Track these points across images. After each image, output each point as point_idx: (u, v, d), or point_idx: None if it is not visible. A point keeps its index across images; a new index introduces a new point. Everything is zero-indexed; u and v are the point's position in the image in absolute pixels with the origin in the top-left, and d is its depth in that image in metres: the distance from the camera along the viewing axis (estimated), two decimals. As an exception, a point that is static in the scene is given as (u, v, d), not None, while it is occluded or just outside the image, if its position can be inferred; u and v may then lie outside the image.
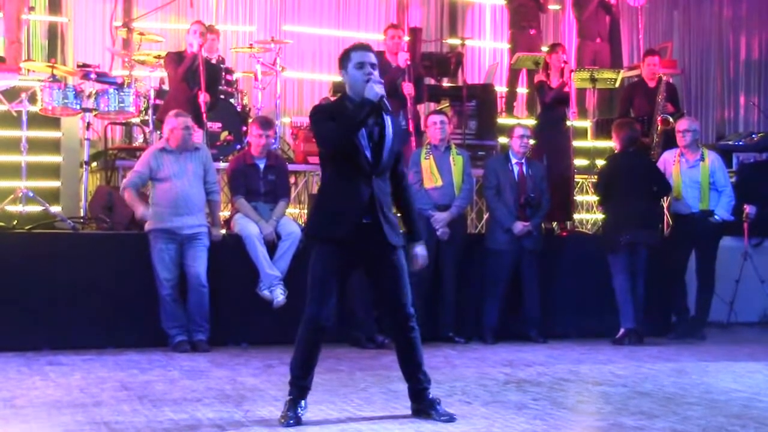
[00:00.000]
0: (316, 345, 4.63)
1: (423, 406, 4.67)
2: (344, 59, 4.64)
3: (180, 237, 6.94)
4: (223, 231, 7.34)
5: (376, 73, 4.56)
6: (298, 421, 4.48)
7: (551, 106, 8.96)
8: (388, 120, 4.63)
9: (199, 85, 7.98)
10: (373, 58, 4.61)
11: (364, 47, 4.66)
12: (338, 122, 4.49)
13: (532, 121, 9.62)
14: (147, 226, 6.97)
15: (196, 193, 7.05)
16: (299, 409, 4.54)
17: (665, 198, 8.32)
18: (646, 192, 7.83)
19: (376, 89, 4.46)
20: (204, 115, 7.97)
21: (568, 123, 9.01)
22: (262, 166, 7.40)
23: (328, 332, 4.65)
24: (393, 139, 4.63)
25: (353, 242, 4.52)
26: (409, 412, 4.76)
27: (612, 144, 10.02)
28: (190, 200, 6.99)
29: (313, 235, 4.69)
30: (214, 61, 8.87)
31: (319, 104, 4.87)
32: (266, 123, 7.55)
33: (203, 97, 7.95)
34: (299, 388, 4.58)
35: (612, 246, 7.73)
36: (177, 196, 6.93)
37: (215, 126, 8.61)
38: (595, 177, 9.72)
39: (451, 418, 4.61)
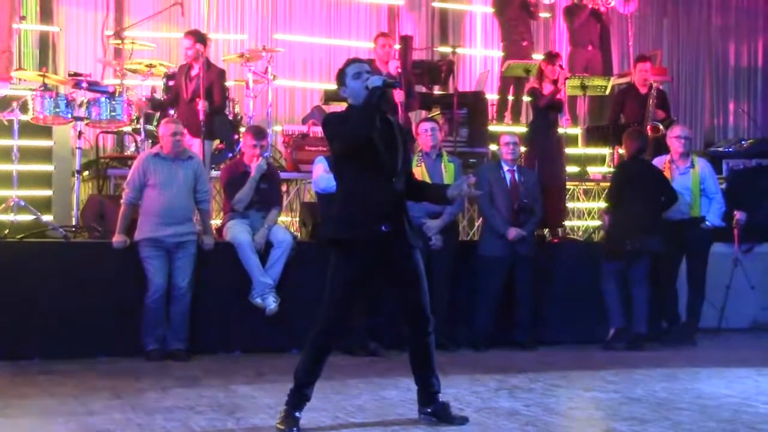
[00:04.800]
0: (328, 352, 4.63)
1: (434, 409, 4.70)
2: (341, 76, 4.68)
3: (167, 245, 6.95)
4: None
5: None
6: (297, 429, 4.47)
7: (543, 112, 8.98)
8: (395, 125, 4.69)
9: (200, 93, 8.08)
10: (367, 68, 4.67)
11: (356, 60, 4.76)
12: (355, 116, 4.52)
13: (520, 129, 9.66)
14: (136, 236, 6.98)
15: (184, 203, 7.06)
16: (297, 417, 4.53)
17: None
18: (653, 200, 7.87)
19: (378, 77, 4.55)
20: (202, 123, 8.01)
21: (560, 130, 9.06)
22: (253, 169, 7.37)
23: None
24: (403, 143, 4.67)
25: (375, 248, 4.53)
26: (402, 418, 4.77)
27: (604, 151, 10.14)
28: (178, 210, 7.00)
29: (334, 239, 4.59)
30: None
31: (331, 112, 4.92)
32: (260, 133, 7.57)
33: (201, 105, 7.99)
34: (301, 397, 4.56)
35: (616, 253, 7.76)
36: (164, 206, 6.95)
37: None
38: (590, 184, 9.80)
39: (464, 421, 4.66)
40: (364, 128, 4.49)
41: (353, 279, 4.56)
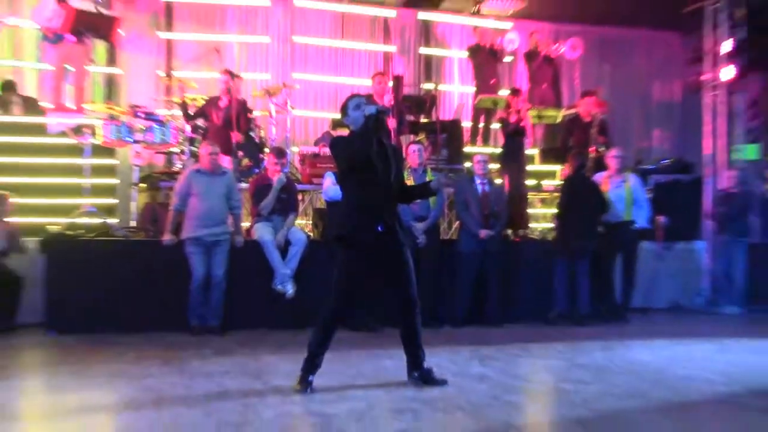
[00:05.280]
0: (335, 331, 4.64)
1: (420, 373, 4.71)
2: (344, 108, 4.69)
3: (206, 242, 6.96)
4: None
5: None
6: (311, 390, 4.50)
7: (511, 137, 9.04)
8: (388, 146, 4.69)
9: (231, 125, 8.13)
10: (365, 101, 4.68)
11: (356, 95, 4.76)
12: (356, 139, 4.54)
13: (489, 149, 9.68)
14: (182, 235, 7.00)
15: (219, 209, 7.07)
16: (310, 381, 4.56)
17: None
18: (592, 208, 7.91)
19: (373, 106, 4.57)
20: (234, 146, 8.07)
21: (526, 151, 9.11)
22: (275, 182, 7.39)
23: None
24: (395, 160, 4.67)
25: (373, 245, 4.52)
26: (395, 381, 4.79)
27: (556, 168, 10.17)
28: (214, 214, 7.02)
29: (343, 240, 4.55)
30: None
31: (337, 136, 4.91)
32: (280, 153, 7.59)
33: (235, 135, 8.07)
34: (313, 364, 4.58)
35: (564, 251, 7.81)
36: (204, 211, 6.96)
37: (239, 154, 8.64)
38: (544, 194, 9.82)
39: (444, 383, 4.68)
40: (363, 149, 4.50)
41: (356, 271, 4.55)
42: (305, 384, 4.53)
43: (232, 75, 8.52)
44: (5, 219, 7.20)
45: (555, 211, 8.31)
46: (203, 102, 8.91)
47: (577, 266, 7.82)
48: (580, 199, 7.83)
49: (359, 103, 4.64)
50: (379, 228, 4.54)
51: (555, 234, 8.37)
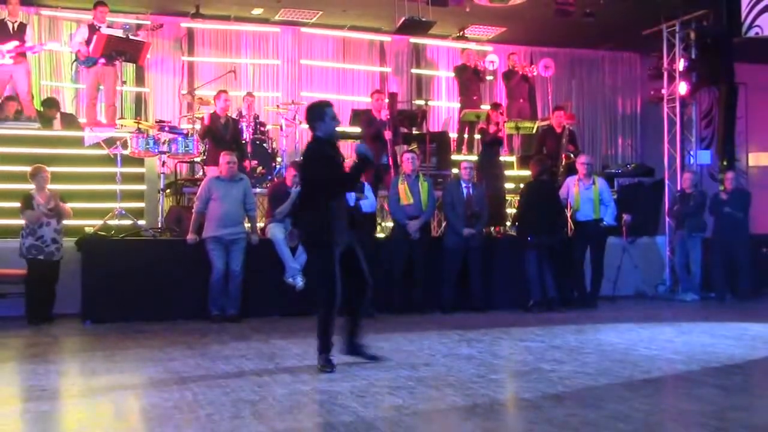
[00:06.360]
0: (335, 317, 4.58)
1: (354, 346, 4.70)
2: (321, 114, 4.61)
3: (225, 241, 6.92)
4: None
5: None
6: (333, 369, 4.41)
7: (489, 146, 8.99)
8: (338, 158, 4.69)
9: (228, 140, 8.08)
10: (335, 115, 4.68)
11: (330, 106, 4.71)
12: (341, 176, 4.54)
13: (473, 157, 9.65)
14: (203, 234, 6.96)
15: (237, 211, 7.04)
16: (332, 359, 4.47)
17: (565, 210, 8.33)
18: (549, 208, 7.87)
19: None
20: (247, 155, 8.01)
21: (501, 158, 9.08)
22: (291, 192, 7.37)
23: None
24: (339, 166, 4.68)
25: (341, 244, 4.52)
26: (392, 361, 4.73)
27: (529, 173, 10.13)
28: (232, 216, 6.98)
29: (325, 245, 4.48)
30: (251, 118, 8.88)
31: (311, 148, 4.76)
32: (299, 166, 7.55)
33: (248, 150, 8.05)
34: (327, 346, 4.51)
35: (526, 244, 7.77)
36: (222, 213, 6.93)
37: (253, 162, 8.59)
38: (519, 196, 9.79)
39: (376, 358, 4.68)
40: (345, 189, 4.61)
41: (335, 270, 4.48)
42: (328, 363, 4.43)
43: (242, 95, 8.41)
44: (46, 187, 7.05)
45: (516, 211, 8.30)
46: (202, 117, 8.80)
47: (541, 258, 7.76)
48: (539, 200, 7.79)
49: (334, 115, 4.61)
50: (346, 229, 4.53)
51: (516, 230, 8.33)
